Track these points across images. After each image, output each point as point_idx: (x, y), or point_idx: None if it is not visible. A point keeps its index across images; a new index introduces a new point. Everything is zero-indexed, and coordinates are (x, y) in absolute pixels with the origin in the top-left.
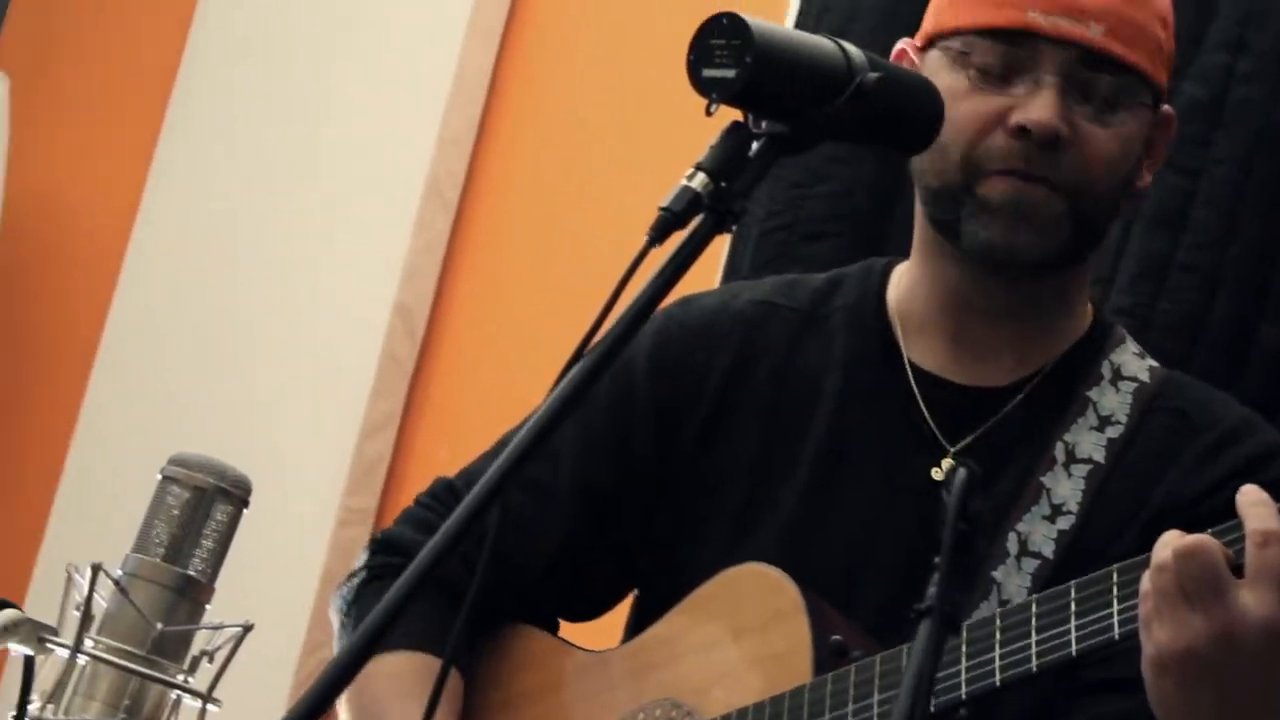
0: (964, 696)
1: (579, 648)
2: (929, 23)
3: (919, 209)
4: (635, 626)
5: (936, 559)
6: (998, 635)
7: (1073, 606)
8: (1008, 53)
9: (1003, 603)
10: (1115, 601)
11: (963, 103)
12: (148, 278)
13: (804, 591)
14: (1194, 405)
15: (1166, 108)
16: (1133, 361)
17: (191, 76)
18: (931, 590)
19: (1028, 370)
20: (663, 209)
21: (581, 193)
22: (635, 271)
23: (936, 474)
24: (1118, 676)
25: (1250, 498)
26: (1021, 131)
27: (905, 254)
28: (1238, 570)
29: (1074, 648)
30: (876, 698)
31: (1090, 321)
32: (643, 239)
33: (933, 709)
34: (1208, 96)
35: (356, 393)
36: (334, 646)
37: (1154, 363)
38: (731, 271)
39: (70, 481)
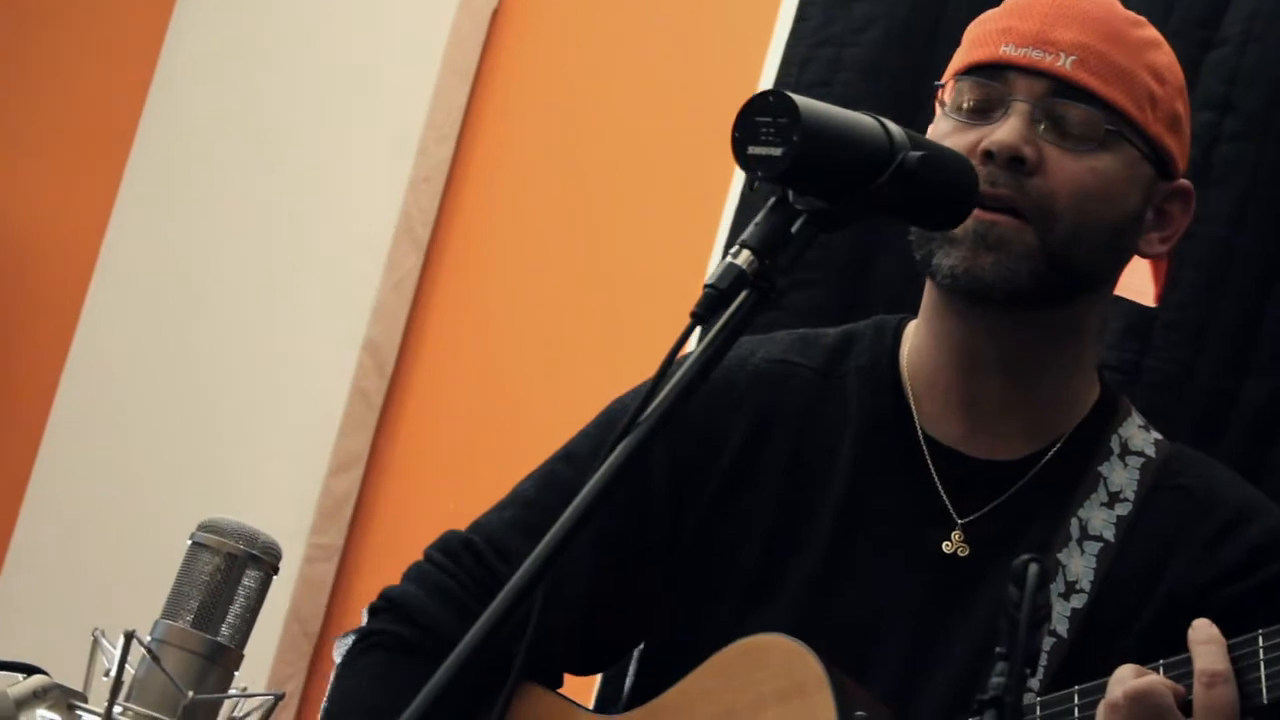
0: None
1: (589, 710)
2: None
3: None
4: (641, 687)
5: (999, 649)
6: None
7: (1076, 714)
8: (984, 87)
9: None
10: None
11: (946, 142)
12: (111, 316)
13: (826, 664)
14: (1199, 483)
15: (1184, 181)
16: (1139, 435)
17: (157, 114)
18: (994, 680)
19: (1040, 444)
20: (709, 286)
21: (553, 232)
22: (682, 346)
23: (947, 548)
24: None
25: (1199, 634)
26: (987, 157)
27: (885, 306)
28: (1186, 707)
29: None
30: None
31: (1098, 392)
32: (612, 278)
33: None
34: (1195, 155)
35: (325, 429)
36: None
37: (1158, 435)
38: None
39: (32, 513)
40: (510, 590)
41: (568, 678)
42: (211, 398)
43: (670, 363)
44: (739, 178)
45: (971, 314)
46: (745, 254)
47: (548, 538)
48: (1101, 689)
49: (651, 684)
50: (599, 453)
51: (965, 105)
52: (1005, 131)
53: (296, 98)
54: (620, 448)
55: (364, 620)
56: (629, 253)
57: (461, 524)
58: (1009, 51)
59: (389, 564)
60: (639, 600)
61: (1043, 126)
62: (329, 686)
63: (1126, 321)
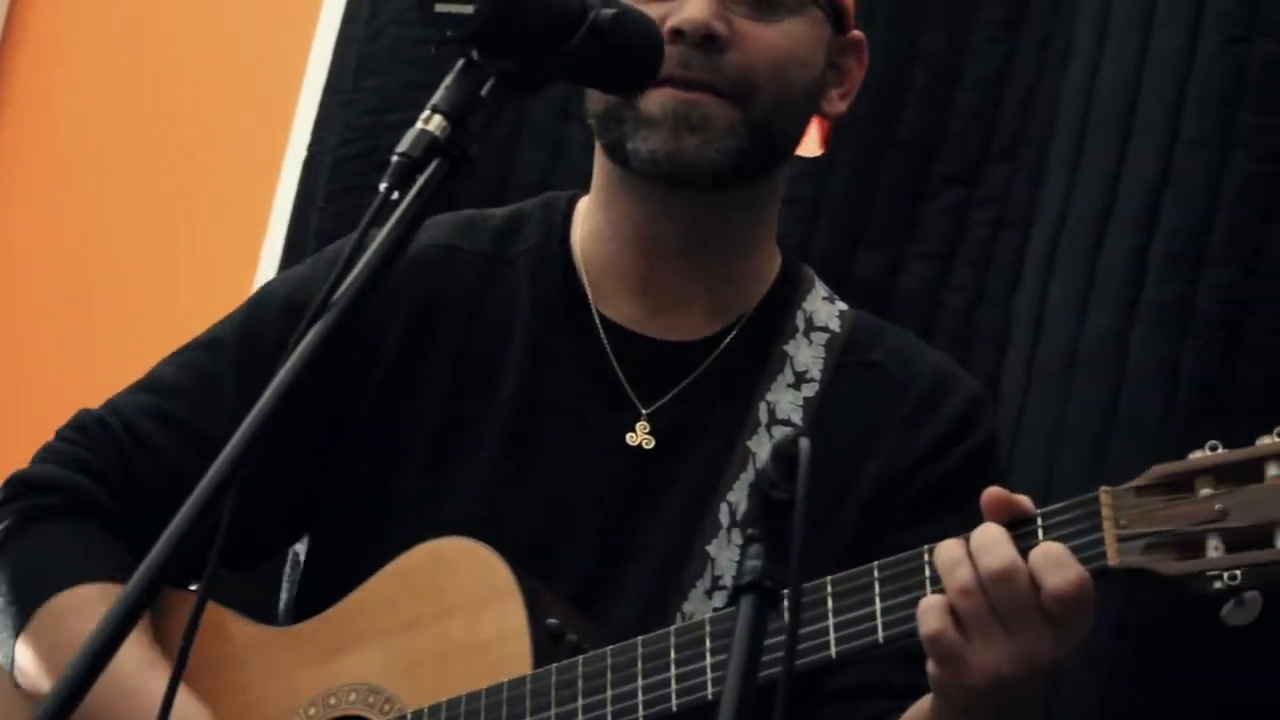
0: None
1: (254, 623)
2: None
3: (598, 143)
4: (308, 593)
5: (751, 530)
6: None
7: (829, 604)
8: None
9: (715, 579)
10: (878, 600)
11: None
12: None
13: (516, 570)
14: (891, 358)
15: (856, 32)
16: (823, 308)
17: None
18: (750, 564)
19: (722, 322)
20: (400, 154)
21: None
22: (374, 223)
23: (632, 439)
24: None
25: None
26: (676, 35)
27: (495, 195)
28: None
29: (833, 650)
30: (610, 693)
31: (780, 266)
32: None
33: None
34: None
35: None
36: None
37: (843, 306)
38: (305, 200)
39: None
40: (197, 499)
41: None
42: None
43: (361, 241)
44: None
45: (664, 198)
46: (437, 119)
47: (237, 437)
48: (903, 565)
49: (320, 594)
50: (246, 339)
51: None
52: (694, 7)
53: None
54: (312, 333)
55: None
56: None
57: None
58: None
59: None
60: (292, 495)
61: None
62: None
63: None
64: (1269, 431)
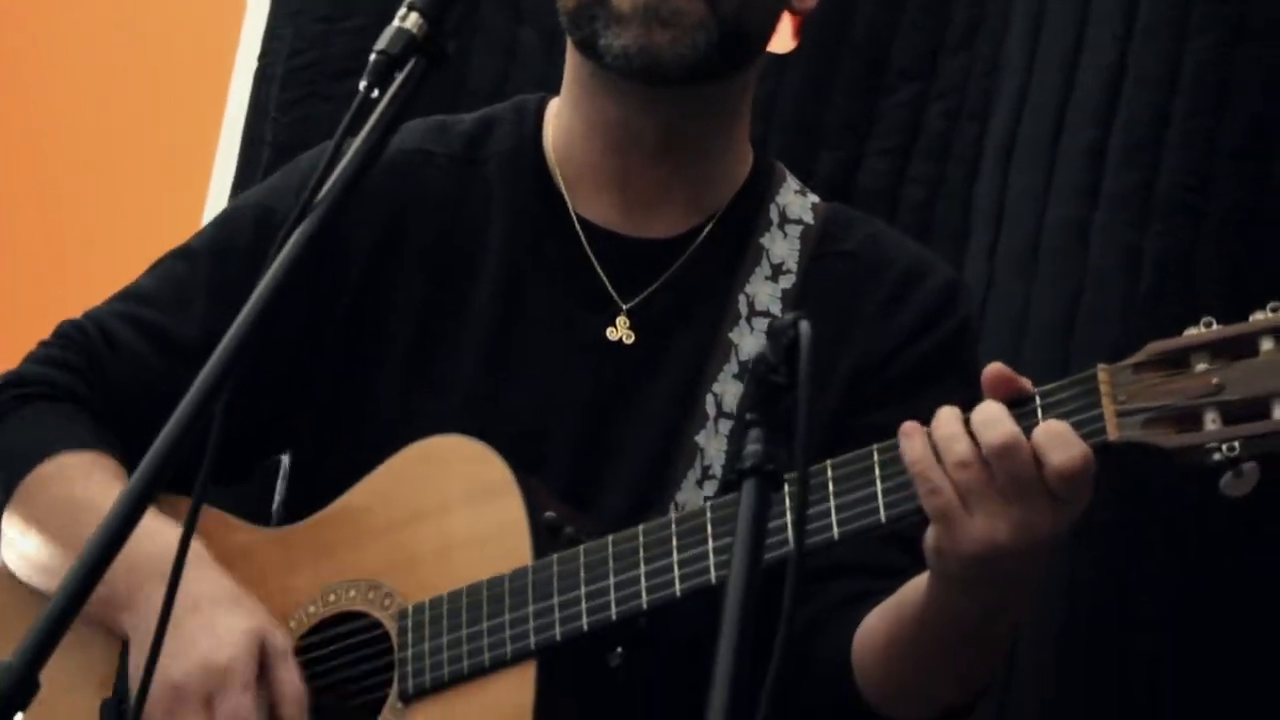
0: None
1: (251, 525)
2: None
3: (569, 40)
4: (295, 502)
5: (750, 415)
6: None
7: (830, 486)
8: None
9: (705, 469)
10: (878, 482)
11: None
12: None
13: (512, 466)
14: (865, 247)
15: None
16: (796, 201)
17: None
18: (751, 449)
19: (697, 219)
20: (379, 52)
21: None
22: (352, 125)
23: (612, 334)
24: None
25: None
26: None
27: (450, 102)
28: None
29: (835, 531)
30: (613, 580)
31: (753, 161)
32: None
33: (614, 616)
34: None
35: None
36: None
37: (815, 198)
38: (256, 112)
39: None
40: (188, 406)
41: None
42: None
43: (342, 142)
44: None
45: (638, 94)
46: (414, 17)
47: (224, 343)
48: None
49: (307, 502)
50: (216, 247)
51: None
52: None
53: None
54: (296, 234)
55: None
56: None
57: None
58: None
59: None
60: (267, 404)
61: None
62: None
63: None
64: (1235, 313)
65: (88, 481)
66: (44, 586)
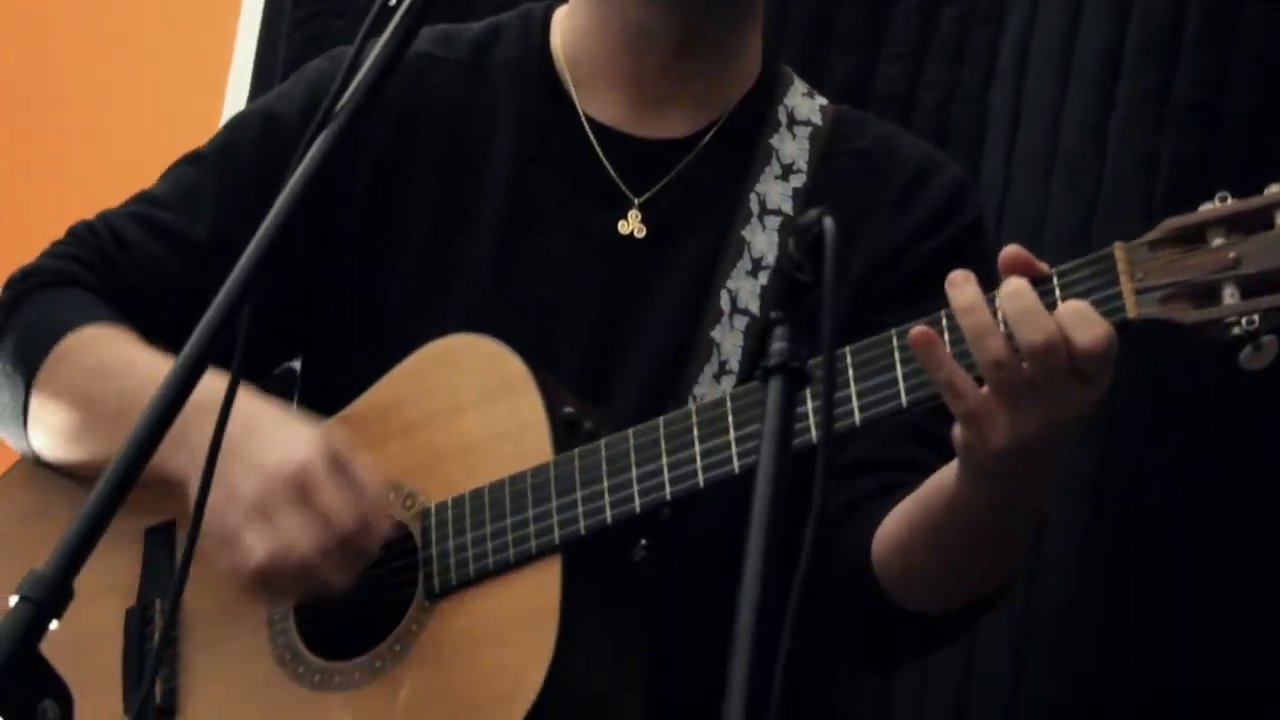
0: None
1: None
2: None
3: None
4: (310, 406)
5: (775, 313)
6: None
7: (850, 372)
8: None
9: (721, 364)
10: (899, 366)
11: None
12: None
13: (528, 362)
14: (875, 145)
15: None
16: (804, 103)
17: None
18: (777, 345)
19: (706, 119)
20: None
21: None
22: (371, 32)
23: (624, 227)
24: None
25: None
26: None
27: (464, 12)
28: None
29: (857, 418)
30: (635, 472)
31: (761, 64)
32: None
33: (637, 509)
34: None
35: None
36: None
37: (823, 101)
38: (271, 29)
39: None
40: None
41: None
42: None
43: (360, 52)
44: None
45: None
46: None
47: (250, 250)
48: (934, 327)
49: (323, 404)
50: (224, 152)
51: None
52: None
53: None
54: (319, 141)
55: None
56: None
57: None
58: None
59: None
60: (279, 304)
61: None
62: None
63: None
64: None
65: (113, 346)
66: (76, 459)
